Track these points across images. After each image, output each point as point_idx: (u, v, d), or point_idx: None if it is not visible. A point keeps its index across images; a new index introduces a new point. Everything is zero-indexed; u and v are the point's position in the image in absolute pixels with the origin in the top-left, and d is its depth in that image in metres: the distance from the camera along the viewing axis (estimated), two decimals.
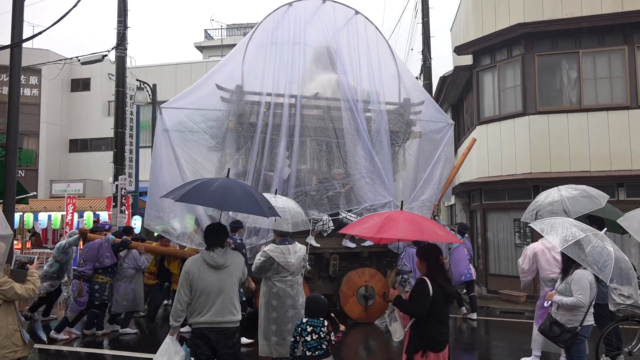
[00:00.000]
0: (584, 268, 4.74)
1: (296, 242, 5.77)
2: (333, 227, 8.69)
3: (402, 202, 5.20)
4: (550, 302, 5.05)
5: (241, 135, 8.75)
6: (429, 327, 4.13)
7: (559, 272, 6.09)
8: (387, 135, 9.21)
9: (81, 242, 8.83)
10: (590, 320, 4.92)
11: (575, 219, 6.52)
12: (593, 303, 4.87)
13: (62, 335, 7.89)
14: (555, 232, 4.71)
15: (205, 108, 8.74)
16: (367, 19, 9.68)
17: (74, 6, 7.34)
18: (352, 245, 8.92)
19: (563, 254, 4.94)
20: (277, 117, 8.77)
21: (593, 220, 6.55)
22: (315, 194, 8.75)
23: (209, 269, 4.25)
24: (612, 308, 5.98)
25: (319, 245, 8.71)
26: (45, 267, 9.23)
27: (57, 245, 9.41)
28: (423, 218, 4.71)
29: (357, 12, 9.65)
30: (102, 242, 8.12)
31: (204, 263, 4.27)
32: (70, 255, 9.49)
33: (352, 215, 8.84)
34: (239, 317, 4.36)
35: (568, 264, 4.94)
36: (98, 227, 9.25)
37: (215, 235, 4.34)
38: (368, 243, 8.79)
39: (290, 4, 9.25)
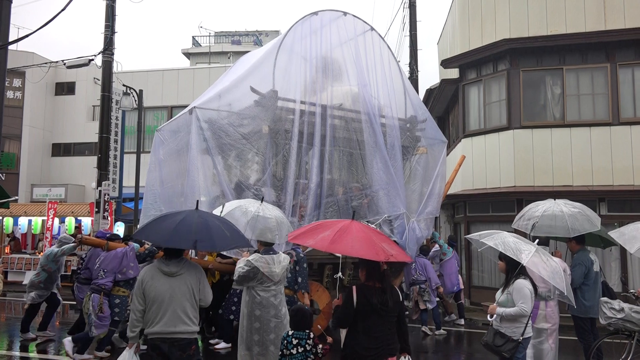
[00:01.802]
0: (524, 278, 4.88)
1: (280, 252, 5.73)
2: None
3: (353, 212, 5.11)
4: (492, 315, 5.05)
5: (276, 142, 8.53)
6: (351, 339, 3.98)
7: (544, 286, 6.20)
8: (400, 149, 9.47)
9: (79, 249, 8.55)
10: (530, 332, 5.00)
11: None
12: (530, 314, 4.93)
13: (86, 355, 7.09)
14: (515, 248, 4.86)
15: (244, 112, 8.40)
16: (380, 36, 9.97)
17: (62, 10, 7.29)
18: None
19: (507, 265, 5.06)
20: (310, 125, 8.67)
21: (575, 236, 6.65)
22: (343, 204, 8.85)
23: (161, 276, 4.19)
24: (602, 322, 6.05)
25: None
26: (31, 276, 8.60)
27: (47, 252, 8.53)
28: (374, 232, 4.47)
29: (372, 28, 9.87)
30: (126, 251, 7.19)
31: (157, 270, 4.22)
32: (61, 264, 8.71)
33: (373, 226, 8.97)
34: (195, 327, 4.24)
35: (509, 274, 5.02)
36: (115, 235, 8.58)
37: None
38: None
39: (316, 12, 9.29)
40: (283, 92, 8.60)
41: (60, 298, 8.81)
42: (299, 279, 7.40)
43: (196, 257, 8.27)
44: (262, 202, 6.30)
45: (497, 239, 4.91)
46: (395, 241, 8.78)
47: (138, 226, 4.89)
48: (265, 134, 8.32)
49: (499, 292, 5.14)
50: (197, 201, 4.82)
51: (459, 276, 10.56)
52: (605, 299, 6.15)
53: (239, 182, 8.29)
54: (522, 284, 4.87)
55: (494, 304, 5.08)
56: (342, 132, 9.10)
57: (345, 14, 9.55)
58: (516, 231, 6.72)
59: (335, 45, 9.37)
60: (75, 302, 8.79)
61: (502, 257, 5.04)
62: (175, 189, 8.89)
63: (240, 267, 5.47)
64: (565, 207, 6.50)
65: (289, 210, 7.89)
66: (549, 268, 4.80)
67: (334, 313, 4.13)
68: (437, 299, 9.79)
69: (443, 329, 9.50)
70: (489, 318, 5.19)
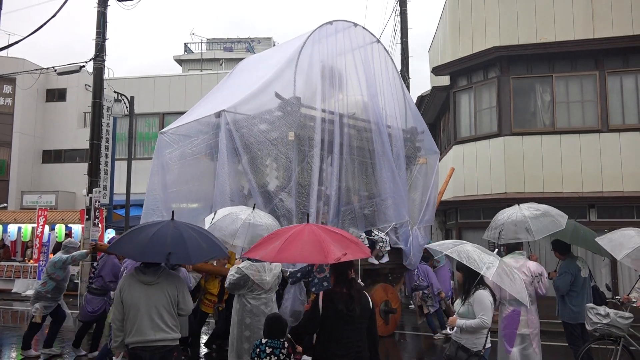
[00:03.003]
0: (484, 288, 4.72)
1: None
2: (368, 245, 8.85)
3: (307, 215, 5.05)
4: (453, 327, 4.87)
5: (300, 149, 8.48)
6: (320, 345, 3.94)
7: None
8: (404, 159, 9.74)
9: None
10: (490, 343, 4.77)
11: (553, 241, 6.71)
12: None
13: None
14: (480, 260, 4.58)
15: (271, 117, 8.33)
16: (385, 48, 10.25)
17: (53, 16, 7.30)
18: (376, 262, 9.09)
19: (464, 276, 4.85)
20: (329, 133, 8.71)
21: (557, 246, 6.70)
22: (359, 212, 9.01)
23: (138, 285, 4.19)
24: (589, 327, 6.06)
25: (377, 262, 8.96)
26: (37, 286, 7.81)
27: (54, 260, 7.79)
28: (328, 233, 4.18)
29: (378, 40, 10.11)
30: None
31: (134, 279, 4.23)
32: (68, 272, 7.98)
33: (382, 233, 9.15)
34: (175, 335, 4.24)
35: (469, 285, 4.82)
36: None
37: None
38: (385, 259, 9.13)
39: (330, 22, 9.39)
40: (304, 98, 8.67)
41: (66, 310, 8.00)
42: (325, 284, 7.29)
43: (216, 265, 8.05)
44: (253, 209, 6.28)
45: (459, 250, 4.70)
46: (376, 240, 8.93)
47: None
48: (292, 140, 8.25)
49: (457, 302, 4.99)
50: (172, 211, 4.66)
51: (451, 282, 10.65)
52: (591, 304, 6.18)
53: (266, 187, 8.26)
54: (482, 295, 4.69)
55: (454, 316, 4.90)
56: (355, 141, 9.25)
57: (355, 25, 9.78)
58: (489, 242, 6.76)
59: (347, 53, 9.52)
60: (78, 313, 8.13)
61: (460, 267, 4.84)
62: (180, 194, 8.84)
63: (231, 274, 5.46)
64: (527, 211, 6.49)
65: (313, 218, 7.86)
66: (515, 282, 4.63)
67: (302, 319, 4.08)
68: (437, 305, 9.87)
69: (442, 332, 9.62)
70: (449, 330, 5.02)
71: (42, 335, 8.27)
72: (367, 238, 8.99)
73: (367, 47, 9.83)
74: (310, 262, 3.81)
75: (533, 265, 6.19)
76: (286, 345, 4.27)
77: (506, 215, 6.61)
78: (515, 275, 4.76)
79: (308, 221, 4.51)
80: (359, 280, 6.28)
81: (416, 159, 10.47)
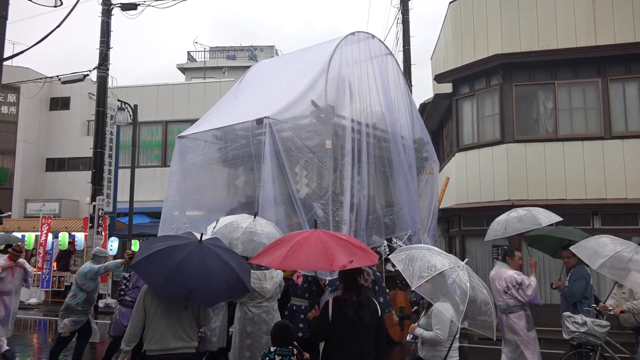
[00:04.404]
0: (445, 301, 4.43)
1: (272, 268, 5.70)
2: (388, 252, 8.97)
3: (315, 221, 5.01)
4: (412, 335, 4.72)
5: (335, 157, 8.47)
6: (328, 352, 3.93)
7: (501, 300, 6.41)
8: (416, 169, 10.00)
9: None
10: (454, 356, 4.53)
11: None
12: (457, 337, 4.52)
13: None
14: (412, 267, 4.29)
15: (309, 125, 8.28)
16: (396, 61, 10.55)
17: (57, 26, 7.34)
18: (392, 269, 9.18)
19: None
20: (358, 142, 8.79)
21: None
22: (382, 220, 9.14)
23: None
24: (565, 336, 6.08)
25: (393, 269, 8.99)
26: (67, 300, 7.09)
27: (84, 270, 7.17)
28: (335, 239, 4.12)
29: (390, 53, 10.39)
30: None
31: None
32: (98, 282, 7.51)
33: (400, 241, 9.36)
34: (192, 343, 4.32)
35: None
36: None
37: None
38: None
39: (353, 33, 9.56)
40: (335, 107, 8.78)
41: (94, 325, 7.38)
42: (381, 299, 7.28)
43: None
44: (255, 217, 6.27)
45: (421, 262, 4.33)
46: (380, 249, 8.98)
47: (140, 249, 4.55)
48: (329, 149, 8.25)
49: (423, 314, 4.81)
50: (202, 234, 4.44)
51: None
52: (567, 313, 6.21)
53: (305, 195, 8.25)
54: (441, 307, 4.42)
55: (416, 323, 4.75)
56: (376, 150, 9.39)
57: (373, 36, 10.01)
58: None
59: (368, 63, 9.68)
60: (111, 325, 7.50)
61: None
62: (203, 201, 8.76)
63: None
64: (515, 212, 7.09)
65: (347, 227, 7.89)
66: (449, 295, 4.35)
67: (311, 325, 4.08)
68: None
69: None
70: (408, 338, 4.88)
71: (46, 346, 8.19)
72: (388, 246, 9.17)
73: (382, 58, 10.05)
74: (316, 269, 3.81)
75: (510, 275, 6.40)
76: (295, 352, 4.27)
77: (498, 219, 7.27)
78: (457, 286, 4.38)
79: (315, 227, 4.50)
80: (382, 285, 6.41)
81: (424, 168, 10.77)
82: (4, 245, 8.97)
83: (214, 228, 6.10)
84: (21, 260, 8.13)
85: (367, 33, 9.92)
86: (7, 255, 8.03)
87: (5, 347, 7.77)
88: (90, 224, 13.71)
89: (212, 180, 8.88)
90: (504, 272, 6.47)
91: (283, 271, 6.92)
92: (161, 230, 8.35)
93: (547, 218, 6.97)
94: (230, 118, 8.82)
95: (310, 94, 8.49)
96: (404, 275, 4.29)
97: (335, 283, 7.30)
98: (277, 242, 4.38)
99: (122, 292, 7.05)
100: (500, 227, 7.09)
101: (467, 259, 4.81)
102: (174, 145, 9.07)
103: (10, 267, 7.90)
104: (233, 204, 8.83)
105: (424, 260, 4.30)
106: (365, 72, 9.51)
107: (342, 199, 8.15)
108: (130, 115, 15.80)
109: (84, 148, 21.29)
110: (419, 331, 4.57)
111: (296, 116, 8.26)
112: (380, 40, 10.15)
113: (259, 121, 8.00)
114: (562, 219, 7.27)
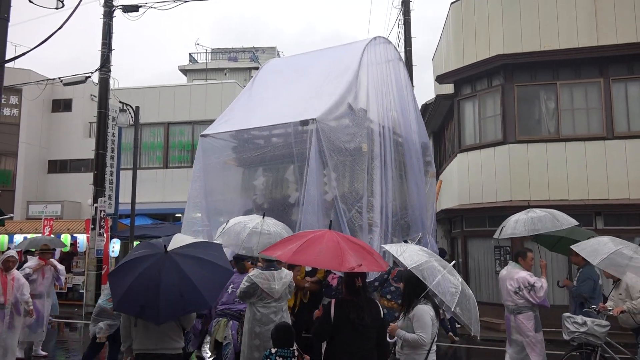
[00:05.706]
0: (426, 303, 4.31)
1: (283, 268, 5.67)
2: None
3: (330, 222, 5.01)
4: (393, 337, 4.52)
5: (368, 161, 8.48)
6: (329, 353, 3.93)
7: (510, 301, 6.42)
8: (423, 172, 10.14)
9: None
10: (433, 359, 4.39)
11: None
12: (435, 341, 4.36)
13: None
14: (409, 255, 4.29)
15: (347, 129, 8.26)
16: (405, 66, 10.65)
17: (59, 28, 7.34)
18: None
19: (405, 286, 4.48)
20: (383, 146, 8.85)
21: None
22: (402, 223, 9.24)
23: None
24: (566, 337, 6.07)
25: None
26: (100, 301, 6.53)
27: None
28: (348, 242, 4.11)
29: (400, 58, 10.51)
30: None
31: None
32: None
33: (413, 242, 9.22)
34: (179, 344, 4.41)
35: (410, 298, 4.41)
36: (239, 255, 6.49)
37: None
38: None
39: (375, 37, 9.66)
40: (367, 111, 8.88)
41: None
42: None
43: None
44: (263, 217, 6.30)
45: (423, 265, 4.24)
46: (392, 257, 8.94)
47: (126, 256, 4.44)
48: (365, 152, 8.28)
49: (401, 316, 4.59)
50: (165, 246, 4.18)
51: None
52: (567, 314, 6.23)
53: (346, 197, 8.14)
54: (422, 310, 4.25)
55: (395, 324, 4.52)
56: (395, 154, 9.45)
57: (389, 42, 10.20)
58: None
59: (386, 67, 9.77)
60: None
61: (404, 277, 4.53)
62: (227, 203, 8.58)
63: (242, 283, 5.50)
64: (533, 213, 7.15)
65: (379, 229, 7.96)
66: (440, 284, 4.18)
67: (313, 325, 4.09)
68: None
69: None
70: (388, 339, 4.65)
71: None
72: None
73: (395, 62, 10.16)
74: (325, 268, 3.83)
75: (523, 277, 6.39)
76: (296, 353, 4.27)
77: (514, 217, 7.31)
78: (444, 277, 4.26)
79: (330, 228, 4.53)
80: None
81: (427, 172, 10.89)
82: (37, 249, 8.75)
83: (224, 228, 6.14)
84: (52, 260, 8.11)
85: (385, 38, 10.10)
86: (36, 257, 7.99)
87: (42, 353, 7.70)
88: (93, 226, 13.73)
89: (236, 181, 8.72)
90: (516, 273, 6.47)
91: (318, 273, 7.03)
92: (183, 231, 8.08)
93: (566, 220, 7.03)
94: (259, 119, 8.64)
95: (347, 96, 8.44)
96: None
97: (373, 284, 7.23)
98: (291, 237, 4.49)
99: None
100: (520, 225, 7.10)
101: (454, 262, 4.82)
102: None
103: (41, 268, 7.87)
104: (261, 205, 8.59)
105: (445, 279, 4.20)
106: (385, 76, 9.60)
107: (374, 202, 8.21)
108: (132, 117, 15.80)
109: (86, 150, 21.32)
110: (401, 332, 4.33)
111: (336, 119, 8.24)
112: (394, 45, 10.35)
113: (304, 122, 7.87)
114: (578, 223, 7.28)
